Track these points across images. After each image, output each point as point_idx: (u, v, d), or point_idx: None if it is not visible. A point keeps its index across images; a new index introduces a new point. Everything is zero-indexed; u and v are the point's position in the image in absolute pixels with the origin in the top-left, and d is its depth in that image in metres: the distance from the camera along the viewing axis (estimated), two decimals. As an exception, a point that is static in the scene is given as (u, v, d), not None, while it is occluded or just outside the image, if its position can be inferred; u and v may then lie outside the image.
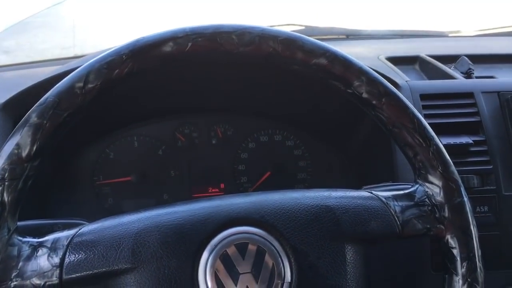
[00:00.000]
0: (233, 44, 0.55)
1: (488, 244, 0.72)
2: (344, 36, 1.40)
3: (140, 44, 0.53)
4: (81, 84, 0.51)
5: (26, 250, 0.49)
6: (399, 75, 0.87)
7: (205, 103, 0.92)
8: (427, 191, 0.56)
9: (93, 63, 0.52)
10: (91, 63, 0.53)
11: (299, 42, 0.56)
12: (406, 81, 0.83)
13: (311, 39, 0.57)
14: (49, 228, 0.58)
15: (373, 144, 0.82)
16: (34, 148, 0.49)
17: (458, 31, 1.63)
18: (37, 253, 0.49)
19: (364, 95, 0.56)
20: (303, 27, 1.38)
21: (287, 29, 1.48)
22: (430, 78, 0.94)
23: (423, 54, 1.01)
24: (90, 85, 0.51)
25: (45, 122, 0.50)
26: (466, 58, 0.93)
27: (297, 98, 0.87)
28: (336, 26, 1.43)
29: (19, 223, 0.51)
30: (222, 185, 0.93)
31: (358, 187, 0.78)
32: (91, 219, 0.84)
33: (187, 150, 0.93)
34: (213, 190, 0.93)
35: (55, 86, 0.52)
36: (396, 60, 0.97)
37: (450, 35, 1.47)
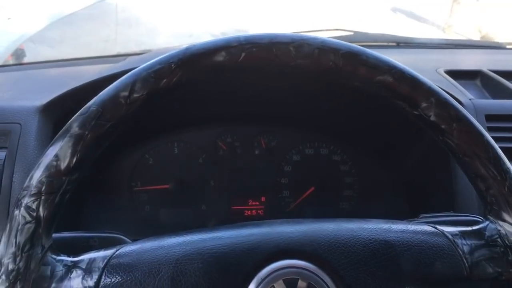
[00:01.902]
0: (290, 56, 0.50)
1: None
2: (395, 44, 1.33)
3: (190, 52, 0.49)
4: (126, 94, 0.47)
5: (59, 271, 0.46)
6: (462, 93, 0.80)
7: (249, 112, 0.87)
8: (499, 230, 0.50)
9: (140, 71, 0.49)
10: (137, 71, 0.49)
11: (362, 57, 0.51)
12: (470, 99, 0.77)
13: (376, 53, 0.52)
14: (84, 242, 0.55)
15: (431, 166, 0.76)
16: (74, 160, 0.46)
17: (516, 43, 1.54)
18: (71, 274, 0.45)
19: (433, 118, 0.50)
20: (352, 33, 1.32)
21: (334, 35, 1.42)
22: (493, 95, 0.87)
23: (484, 68, 0.94)
24: (135, 95, 0.48)
25: (86, 133, 0.46)
26: (535, 76, 0.86)
27: (348, 112, 0.81)
28: (386, 33, 1.37)
29: (53, 235, 0.48)
30: (263, 199, 0.89)
31: (408, 211, 0.72)
32: (127, 226, 0.81)
33: (228, 160, 0.88)
34: (253, 203, 0.88)
35: (99, 95, 0.48)
36: (456, 74, 0.90)
37: (508, 47, 1.38)
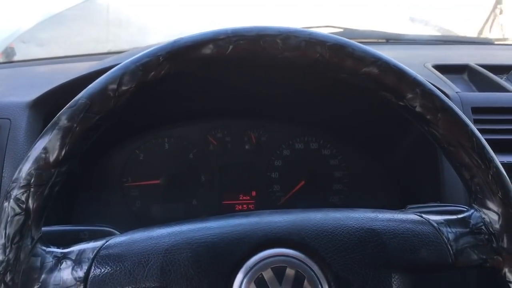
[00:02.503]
0: (278, 48, 0.51)
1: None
2: (384, 40, 1.35)
3: (178, 45, 0.50)
4: (114, 86, 0.48)
5: (49, 262, 0.46)
6: (449, 86, 0.81)
7: (239, 107, 0.88)
8: (484, 218, 0.51)
9: (128, 64, 0.49)
10: (125, 64, 0.49)
11: (348, 49, 0.51)
12: (456, 92, 0.78)
13: (362, 45, 0.53)
14: (75, 235, 0.55)
15: (418, 158, 0.77)
16: (63, 153, 0.46)
17: (505, 39, 1.55)
18: (60, 265, 0.46)
19: (418, 108, 0.51)
20: (342, 30, 1.33)
21: (325, 31, 1.43)
22: (480, 89, 0.88)
23: (472, 63, 0.95)
24: (124, 88, 0.48)
25: (75, 125, 0.47)
26: (520, 69, 0.87)
27: (336, 105, 0.82)
28: (376, 29, 1.38)
29: (43, 229, 0.48)
30: (253, 193, 0.89)
31: (398, 202, 0.73)
32: (119, 223, 0.81)
33: (219, 155, 0.89)
34: (244, 198, 0.89)
35: (87, 88, 0.49)
36: (444, 69, 0.92)
37: (496, 42, 1.40)
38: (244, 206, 0.89)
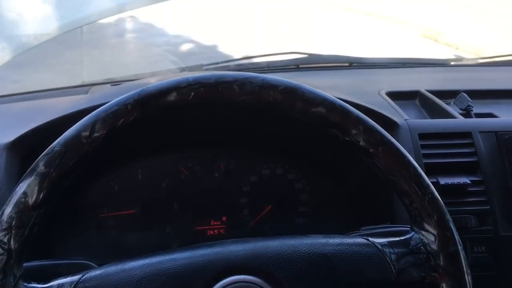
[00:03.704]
0: (235, 93, 0.57)
1: (485, 284, 0.73)
2: (347, 64, 1.42)
3: (144, 94, 0.55)
4: (87, 134, 0.53)
5: None
6: (399, 113, 0.88)
7: (207, 138, 0.93)
8: (422, 239, 0.57)
9: (99, 113, 0.54)
10: (97, 112, 0.55)
11: (299, 92, 0.58)
12: (405, 120, 0.85)
13: (311, 88, 0.59)
14: (54, 269, 0.60)
15: (373, 184, 0.84)
16: (41, 196, 0.51)
17: (460, 59, 1.65)
18: None
19: (362, 143, 0.57)
20: (307, 55, 1.40)
21: (291, 57, 1.50)
22: (430, 114, 0.95)
23: (423, 89, 1.03)
24: (96, 134, 0.53)
25: (51, 171, 0.52)
26: (465, 95, 0.95)
27: (296, 137, 0.88)
28: (339, 54, 1.45)
29: (24, 264, 0.53)
30: (224, 218, 0.94)
31: (357, 223, 0.80)
32: (95, 252, 0.86)
33: (190, 183, 0.94)
34: (215, 223, 0.94)
35: (62, 135, 0.54)
36: (396, 96, 0.99)
37: (452, 63, 1.49)
38: (215, 231, 0.94)
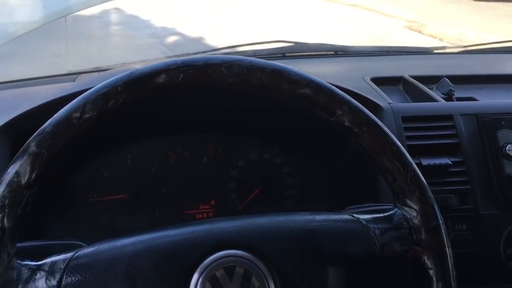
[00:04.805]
0: (223, 75, 0.58)
1: (465, 261, 0.76)
2: (333, 53, 1.44)
3: (134, 76, 0.56)
4: (78, 115, 0.54)
5: (25, 274, 0.51)
6: (383, 98, 0.90)
7: (195, 123, 0.94)
8: (405, 215, 0.59)
9: (90, 94, 0.55)
10: (87, 94, 0.56)
11: (285, 74, 0.59)
12: (389, 103, 0.87)
13: (297, 70, 0.60)
14: (47, 249, 0.61)
15: (358, 163, 0.86)
16: (33, 176, 0.52)
17: (443, 47, 1.67)
18: (35, 276, 0.52)
19: (347, 123, 0.59)
20: (293, 44, 1.41)
21: (278, 45, 1.51)
22: (413, 99, 0.98)
23: (406, 74, 1.05)
24: (86, 115, 0.54)
25: (43, 151, 0.52)
26: (447, 80, 0.97)
27: (283, 119, 0.90)
28: (325, 43, 1.47)
29: (17, 245, 0.54)
30: (212, 202, 0.96)
31: (344, 204, 0.82)
32: (87, 236, 0.87)
33: (178, 168, 0.95)
34: (204, 207, 0.96)
35: (53, 117, 0.55)
36: (380, 81, 1.01)
37: (435, 51, 1.51)
38: (204, 214, 0.96)
